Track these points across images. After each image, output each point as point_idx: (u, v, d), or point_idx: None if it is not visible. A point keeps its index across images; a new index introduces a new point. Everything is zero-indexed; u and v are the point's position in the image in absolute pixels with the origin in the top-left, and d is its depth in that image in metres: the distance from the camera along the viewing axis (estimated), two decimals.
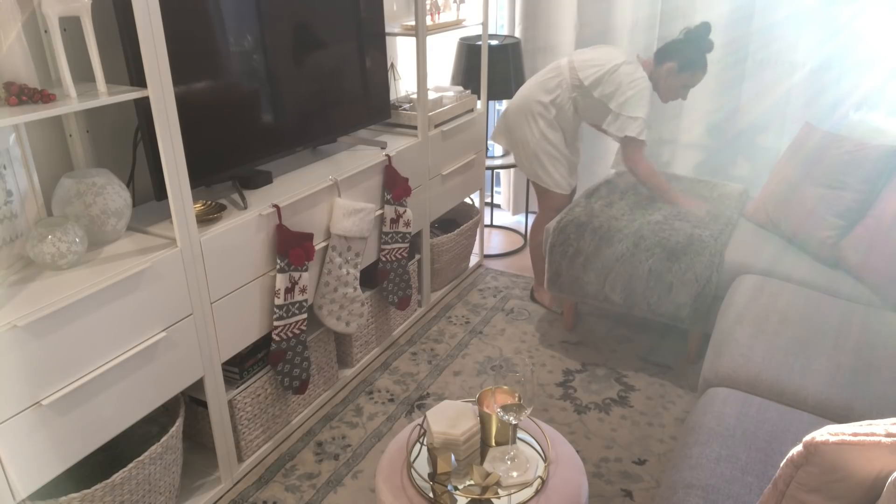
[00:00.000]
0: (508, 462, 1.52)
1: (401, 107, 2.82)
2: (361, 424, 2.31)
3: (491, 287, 3.23)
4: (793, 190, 2.42)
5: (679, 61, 2.59)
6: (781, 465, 1.06)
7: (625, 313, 2.83)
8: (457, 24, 2.90)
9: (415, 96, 2.81)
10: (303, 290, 2.07)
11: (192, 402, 2.01)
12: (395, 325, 2.78)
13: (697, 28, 2.59)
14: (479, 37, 3.23)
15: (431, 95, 2.91)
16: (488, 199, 4.08)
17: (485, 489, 1.44)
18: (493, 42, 3.30)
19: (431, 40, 2.75)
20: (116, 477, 1.59)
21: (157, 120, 1.59)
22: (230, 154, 2.01)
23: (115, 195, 1.66)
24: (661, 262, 2.40)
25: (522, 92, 2.82)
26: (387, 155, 2.46)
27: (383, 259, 2.54)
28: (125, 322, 1.58)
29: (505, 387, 1.48)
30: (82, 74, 1.63)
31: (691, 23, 2.67)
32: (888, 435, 0.94)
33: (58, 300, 1.43)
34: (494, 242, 3.78)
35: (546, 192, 2.87)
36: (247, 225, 1.90)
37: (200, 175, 1.89)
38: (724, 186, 2.87)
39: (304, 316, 2.11)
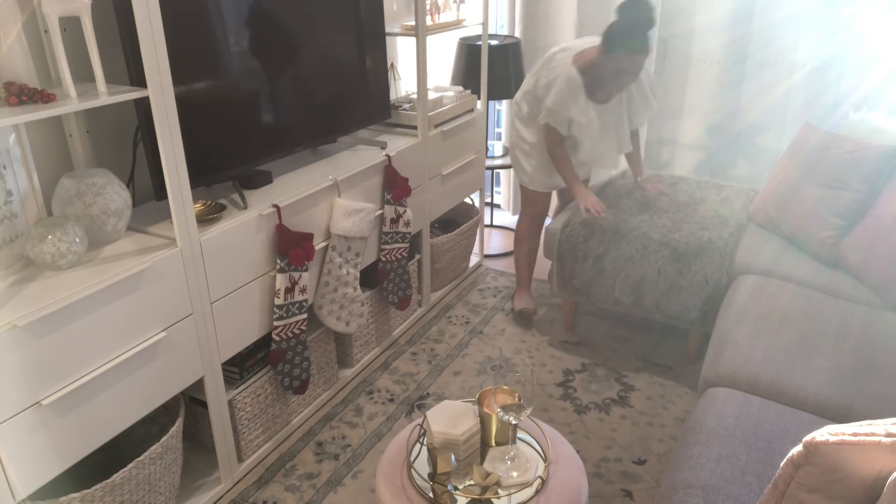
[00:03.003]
0: (508, 462, 1.52)
1: (401, 107, 2.82)
2: (361, 424, 2.31)
3: (491, 287, 3.23)
4: (793, 190, 2.42)
5: (609, 41, 2.32)
6: (781, 465, 1.06)
7: (625, 313, 2.83)
8: (457, 24, 2.90)
9: (415, 96, 2.81)
10: (303, 290, 2.07)
11: (192, 402, 2.01)
12: (395, 325, 2.78)
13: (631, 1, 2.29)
14: (479, 37, 3.23)
15: (431, 95, 2.91)
16: (488, 199, 4.08)
17: (485, 489, 1.44)
18: (493, 42, 3.30)
19: (431, 40, 2.75)
20: (116, 477, 1.59)
21: (157, 120, 1.59)
22: (230, 154, 2.01)
23: (115, 195, 1.66)
24: (670, 264, 2.40)
25: None
26: (387, 155, 2.46)
27: (383, 259, 2.54)
28: (125, 322, 1.58)
29: (505, 387, 1.48)
30: (82, 74, 1.63)
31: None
32: (888, 435, 0.94)
33: (58, 300, 1.43)
34: (494, 242, 3.78)
35: (523, 189, 2.84)
36: (247, 225, 1.90)
37: (200, 175, 1.89)
38: (732, 188, 2.86)
39: (304, 316, 2.11)
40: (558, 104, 2.45)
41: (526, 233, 2.89)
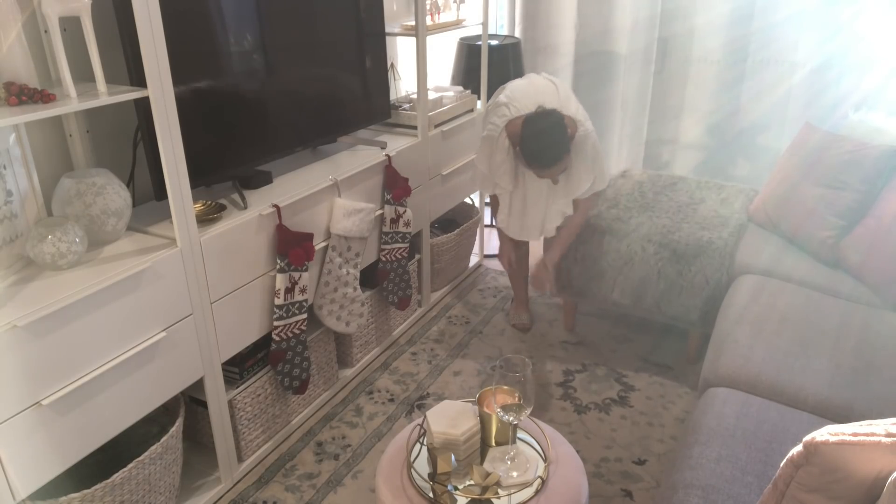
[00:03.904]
0: (508, 462, 1.52)
1: (401, 107, 2.82)
2: (361, 424, 2.31)
3: (491, 287, 3.23)
4: (793, 190, 2.42)
5: (522, 150, 2.24)
6: (781, 465, 1.06)
7: (625, 313, 2.83)
8: (457, 24, 2.90)
9: (415, 96, 2.81)
10: (303, 290, 2.07)
11: (192, 402, 2.01)
12: (395, 325, 2.78)
13: (536, 118, 2.19)
14: (479, 37, 3.23)
15: (431, 95, 2.91)
16: (488, 199, 4.08)
17: (485, 489, 1.44)
18: (493, 42, 3.30)
19: (431, 40, 2.75)
20: (116, 477, 1.59)
21: (157, 120, 1.59)
22: (230, 154, 2.01)
23: (115, 195, 1.66)
24: (670, 264, 2.40)
25: None
26: (387, 155, 2.46)
27: (383, 259, 2.54)
28: (125, 322, 1.58)
29: (505, 387, 1.48)
30: (82, 74, 1.63)
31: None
32: (888, 435, 0.94)
33: (58, 300, 1.43)
34: (494, 242, 3.78)
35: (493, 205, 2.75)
36: (247, 225, 1.90)
37: (200, 175, 1.89)
38: (732, 188, 2.86)
39: (304, 316, 2.11)
40: (486, 165, 2.42)
41: (508, 248, 2.77)
